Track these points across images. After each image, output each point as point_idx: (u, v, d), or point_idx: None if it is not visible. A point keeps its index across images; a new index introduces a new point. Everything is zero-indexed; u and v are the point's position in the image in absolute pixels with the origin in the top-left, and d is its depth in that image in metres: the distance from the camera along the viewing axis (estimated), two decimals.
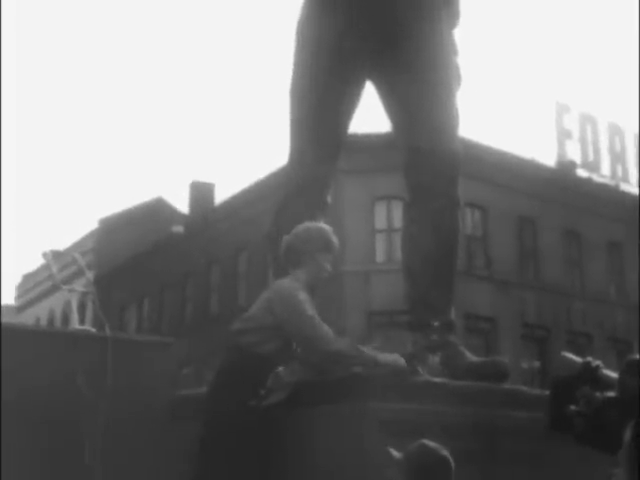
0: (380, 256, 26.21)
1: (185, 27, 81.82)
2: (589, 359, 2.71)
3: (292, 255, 3.71)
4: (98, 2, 77.58)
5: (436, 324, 3.45)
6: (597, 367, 2.65)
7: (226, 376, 3.63)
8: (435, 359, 3.47)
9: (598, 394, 2.51)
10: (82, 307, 31.43)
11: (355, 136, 3.31)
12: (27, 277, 49.16)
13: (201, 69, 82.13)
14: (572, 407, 2.51)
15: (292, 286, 3.67)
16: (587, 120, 31.99)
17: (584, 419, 2.49)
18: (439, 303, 3.51)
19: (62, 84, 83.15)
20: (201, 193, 38.58)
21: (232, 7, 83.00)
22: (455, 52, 3.77)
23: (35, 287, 46.11)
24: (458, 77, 3.72)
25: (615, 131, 32.70)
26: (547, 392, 2.81)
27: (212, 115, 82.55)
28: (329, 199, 3.80)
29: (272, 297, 3.74)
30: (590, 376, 2.59)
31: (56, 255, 39.59)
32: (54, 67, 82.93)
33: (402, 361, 3.43)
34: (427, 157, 3.33)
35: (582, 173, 31.18)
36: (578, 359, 2.75)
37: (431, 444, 2.89)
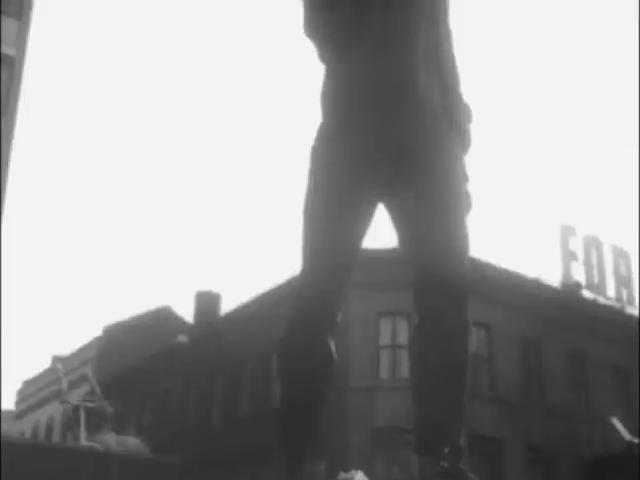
0: (384, 372, 26.04)
1: (189, 138, 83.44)
2: (635, 441, 2.70)
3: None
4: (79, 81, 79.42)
5: (446, 450, 3.42)
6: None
7: None
8: None
9: None
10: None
11: (361, 251, 3.38)
12: (28, 383, 48.78)
13: (210, 182, 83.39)
14: None
15: None
16: (592, 243, 32.25)
17: None
18: (449, 428, 3.48)
19: (67, 186, 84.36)
20: (207, 303, 38.67)
21: (237, 128, 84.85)
22: (465, 178, 3.87)
23: (36, 393, 45.71)
24: (468, 203, 3.81)
25: (620, 254, 32.91)
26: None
27: (220, 226, 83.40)
28: (339, 319, 3.83)
29: None
30: (630, 461, 2.58)
31: (62, 362, 39.31)
32: (59, 168, 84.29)
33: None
34: (437, 282, 3.39)
35: (587, 295, 31.24)
36: (626, 434, 2.74)
37: None
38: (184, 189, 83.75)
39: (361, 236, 3.74)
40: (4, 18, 28.57)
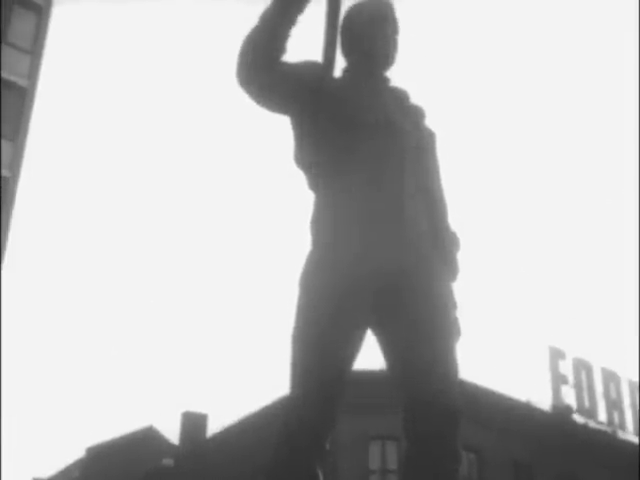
0: None
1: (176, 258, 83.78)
2: None
3: None
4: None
5: None
6: None
7: None
8: None
9: None
10: None
11: (350, 373, 3.36)
12: None
13: (197, 300, 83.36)
14: None
15: None
16: (582, 366, 32.11)
17: None
18: None
19: (55, 310, 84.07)
20: (193, 423, 38.05)
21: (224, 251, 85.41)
22: (454, 305, 3.95)
23: None
24: (458, 330, 3.89)
25: (610, 378, 32.73)
26: None
27: (207, 345, 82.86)
28: (327, 446, 3.82)
29: None
30: None
31: None
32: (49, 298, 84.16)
33: None
34: (428, 409, 3.41)
35: (578, 418, 30.92)
36: None
37: None
38: (171, 307, 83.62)
39: (351, 362, 3.78)
40: None
